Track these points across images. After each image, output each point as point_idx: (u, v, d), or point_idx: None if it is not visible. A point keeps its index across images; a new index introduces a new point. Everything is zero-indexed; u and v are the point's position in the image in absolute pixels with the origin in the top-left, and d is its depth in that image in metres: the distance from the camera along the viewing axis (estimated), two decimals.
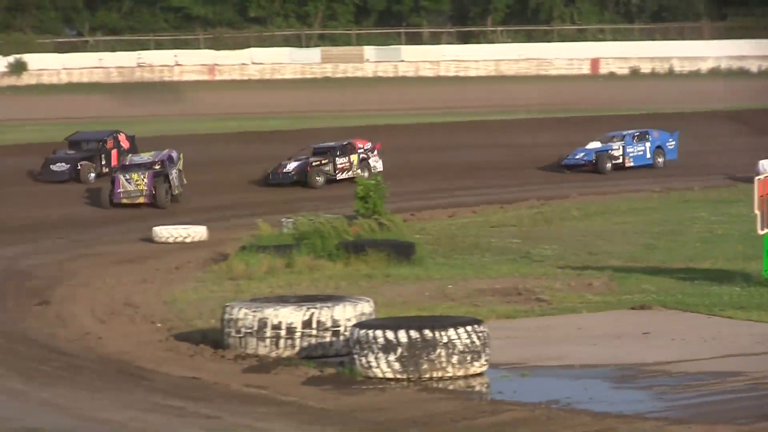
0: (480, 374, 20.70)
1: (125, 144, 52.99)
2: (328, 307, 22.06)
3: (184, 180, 50.04)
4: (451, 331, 20.42)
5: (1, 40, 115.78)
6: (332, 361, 21.17)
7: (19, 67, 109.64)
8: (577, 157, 54.39)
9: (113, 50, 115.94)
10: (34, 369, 22.18)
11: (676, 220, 43.21)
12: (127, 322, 27.51)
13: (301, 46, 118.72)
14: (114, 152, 52.43)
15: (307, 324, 21.63)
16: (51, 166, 50.74)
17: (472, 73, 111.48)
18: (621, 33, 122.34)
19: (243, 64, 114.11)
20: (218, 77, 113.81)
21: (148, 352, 23.85)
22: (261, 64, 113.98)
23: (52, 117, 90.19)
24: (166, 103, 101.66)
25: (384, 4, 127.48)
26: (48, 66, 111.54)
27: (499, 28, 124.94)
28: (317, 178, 51.68)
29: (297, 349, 21.62)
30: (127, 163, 47.45)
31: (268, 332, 21.77)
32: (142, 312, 28.59)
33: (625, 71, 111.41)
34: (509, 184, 57.31)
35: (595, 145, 54.71)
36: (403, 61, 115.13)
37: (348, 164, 53.88)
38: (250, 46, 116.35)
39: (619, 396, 19.73)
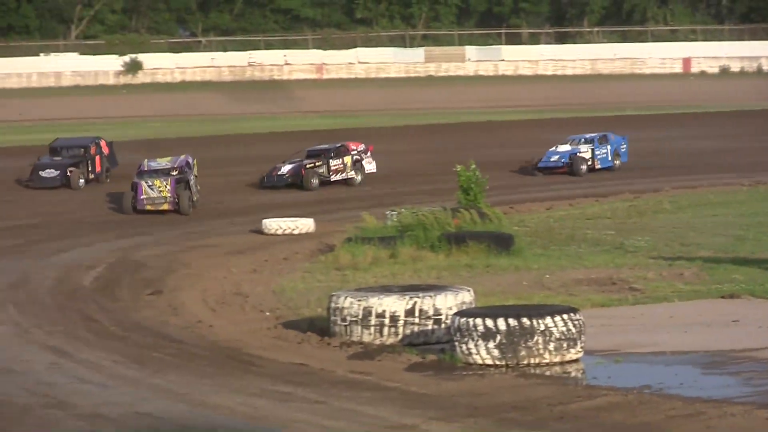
0: (575, 360, 21.00)
1: (105, 150, 52.42)
2: (430, 296, 22.47)
3: (199, 186, 49.46)
4: (548, 320, 20.75)
5: (118, 41, 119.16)
6: (434, 348, 21.56)
7: (134, 67, 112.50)
8: (552, 159, 54.13)
9: (225, 50, 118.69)
10: (147, 356, 22.84)
11: (765, 212, 43.22)
12: (237, 310, 28.16)
13: (406, 47, 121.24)
14: (97, 158, 51.18)
15: (410, 312, 22.09)
16: (40, 173, 49.71)
17: (569, 71, 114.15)
18: (711, 33, 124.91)
19: (350, 63, 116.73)
20: (326, 76, 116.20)
21: (256, 340, 24.48)
22: (367, 63, 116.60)
23: (167, 114, 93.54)
24: (275, 101, 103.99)
25: (485, 6, 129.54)
26: (162, 65, 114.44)
27: (595, 29, 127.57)
28: (312, 181, 52.21)
29: (400, 336, 22.08)
30: (145, 169, 45.67)
31: (373, 320, 22.32)
32: (251, 301, 29.23)
33: (715, 70, 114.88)
34: (603, 178, 57.32)
35: (565, 147, 54.45)
36: (503, 60, 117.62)
37: (342, 166, 53.84)
38: (356, 46, 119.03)
39: (708, 381, 19.83)
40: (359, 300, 22.77)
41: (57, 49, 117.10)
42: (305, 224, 40.65)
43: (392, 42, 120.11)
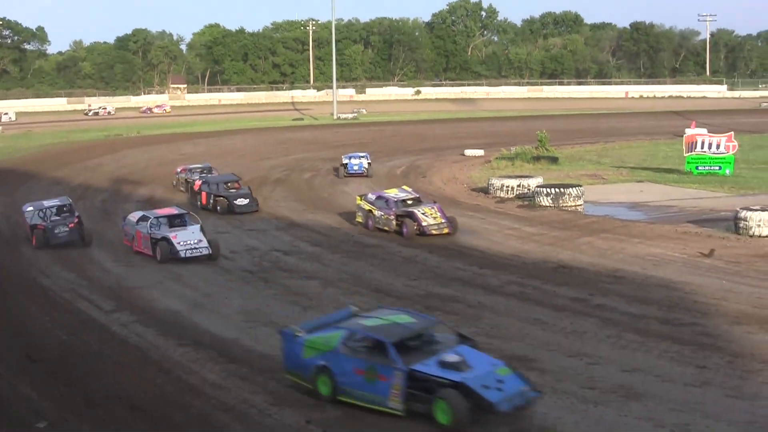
0: (580, 205, 38.04)
1: None
2: (525, 178, 40.90)
3: None
4: (570, 189, 38.59)
5: None
6: (527, 199, 39.53)
7: None
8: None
9: None
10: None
11: (652, 152, 48.12)
12: (454, 183, 47.29)
13: None
14: None
15: (518, 186, 40.64)
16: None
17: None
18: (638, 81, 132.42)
19: None
20: None
21: (460, 195, 43.09)
22: None
23: None
24: None
25: None
26: None
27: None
28: None
29: (514, 195, 40.52)
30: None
31: (504, 188, 41.09)
32: (460, 179, 48.40)
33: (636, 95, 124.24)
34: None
35: None
36: None
37: None
38: None
39: (633, 214, 37.36)
40: (499, 179, 41.81)
41: None
42: (479, 152, 60.59)
43: None
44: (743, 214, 31.28)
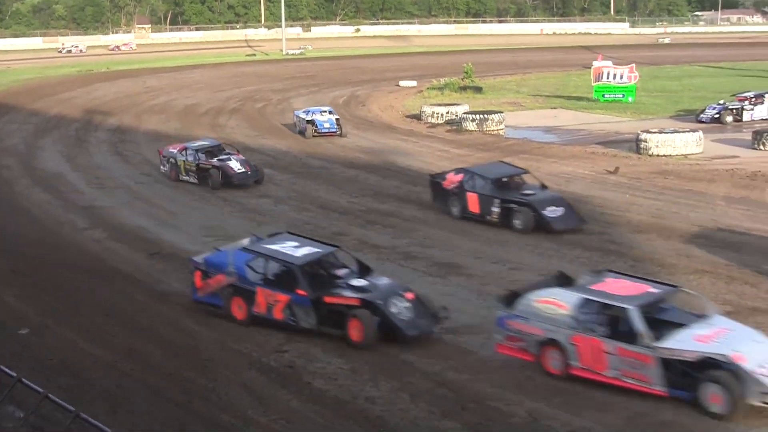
0: (502, 129, 38.63)
1: None
2: (454, 106, 40.77)
3: None
4: (494, 115, 38.86)
5: None
6: (455, 125, 39.10)
7: None
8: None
9: None
10: (361, 126, 39.30)
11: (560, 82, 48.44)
12: (391, 111, 46.94)
13: None
14: None
15: (447, 113, 40.72)
16: None
17: None
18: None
19: None
20: None
21: (396, 120, 43.14)
22: None
23: None
24: None
25: None
26: None
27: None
28: None
29: (444, 121, 40.28)
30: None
31: (434, 114, 40.81)
32: (395, 108, 48.01)
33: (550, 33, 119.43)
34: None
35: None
36: None
37: None
38: None
39: (547, 137, 37.94)
40: (430, 107, 41.75)
41: None
42: (412, 83, 59.07)
43: None
44: (643, 136, 31.85)
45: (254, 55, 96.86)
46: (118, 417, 11.99)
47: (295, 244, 15.92)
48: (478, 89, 52.78)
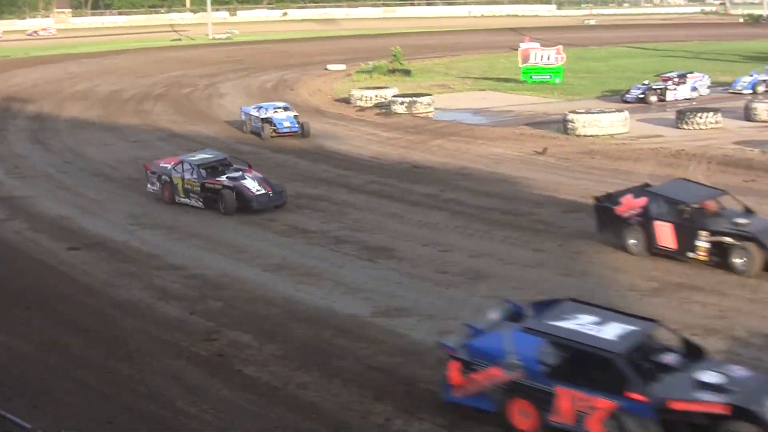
0: (431, 112, 38.21)
1: None
2: (383, 89, 40.60)
3: None
4: (422, 98, 38.60)
5: None
6: (384, 108, 38.71)
7: None
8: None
9: None
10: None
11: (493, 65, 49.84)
12: (319, 95, 46.51)
13: None
14: None
15: (377, 96, 40.23)
16: None
17: None
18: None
19: None
20: None
21: (325, 104, 42.70)
22: None
23: None
24: None
25: None
26: None
27: None
28: None
29: (373, 104, 40.10)
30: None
31: (363, 98, 40.54)
32: (324, 91, 47.56)
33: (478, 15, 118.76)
34: None
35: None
36: None
37: None
38: None
39: (476, 119, 38.18)
40: (359, 91, 41.51)
41: None
42: (340, 67, 58.71)
43: None
44: (570, 116, 32.15)
45: (180, 40, 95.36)
46: (40, 412, 11.71)
47: (595, 318, 11.31)
48: (407, 72, 52.76)
